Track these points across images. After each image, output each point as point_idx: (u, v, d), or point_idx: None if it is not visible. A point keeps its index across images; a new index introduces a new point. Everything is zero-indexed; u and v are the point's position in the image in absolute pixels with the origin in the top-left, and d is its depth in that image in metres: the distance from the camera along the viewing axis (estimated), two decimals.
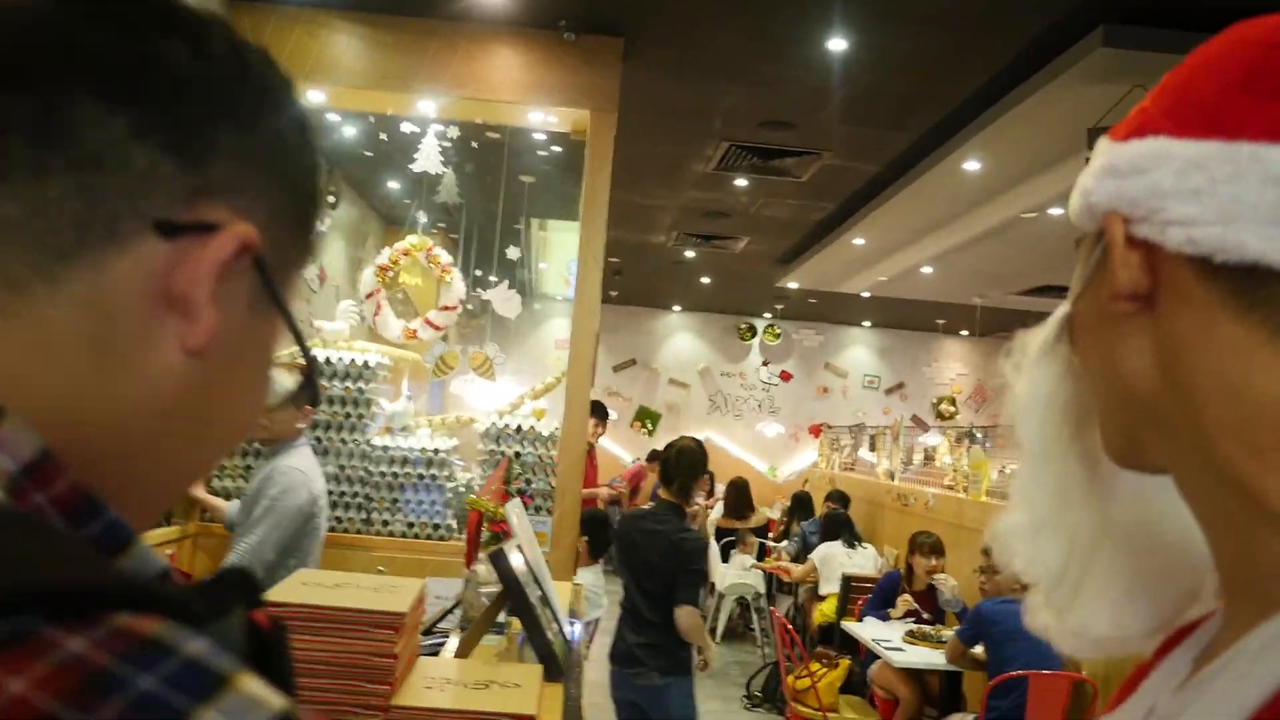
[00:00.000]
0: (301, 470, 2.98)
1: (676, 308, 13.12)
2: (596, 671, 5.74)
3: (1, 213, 0.39)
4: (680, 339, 13.32)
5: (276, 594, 1.74)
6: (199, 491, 3.62)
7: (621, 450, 12.80)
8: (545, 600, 2.24)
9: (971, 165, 5.22)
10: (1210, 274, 0.46)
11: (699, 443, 3.80)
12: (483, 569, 2.37)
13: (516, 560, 2.13)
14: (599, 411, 7.62)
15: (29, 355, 0.40)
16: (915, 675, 4.91)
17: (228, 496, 4.20)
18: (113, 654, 0.31)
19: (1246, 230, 0.45)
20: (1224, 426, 0.46)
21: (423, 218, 7.76)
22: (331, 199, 6.22)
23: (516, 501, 2.48)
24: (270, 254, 0.45)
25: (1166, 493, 0.53)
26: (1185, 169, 0.47)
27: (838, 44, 4.20)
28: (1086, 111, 4.05)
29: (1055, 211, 5.92)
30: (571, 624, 2.63)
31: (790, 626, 5.20)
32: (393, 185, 7.12)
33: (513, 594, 2.07)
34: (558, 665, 2.06)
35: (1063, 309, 0.57)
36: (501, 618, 2.42)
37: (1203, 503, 0.49)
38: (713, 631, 7.76)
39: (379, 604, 1.73)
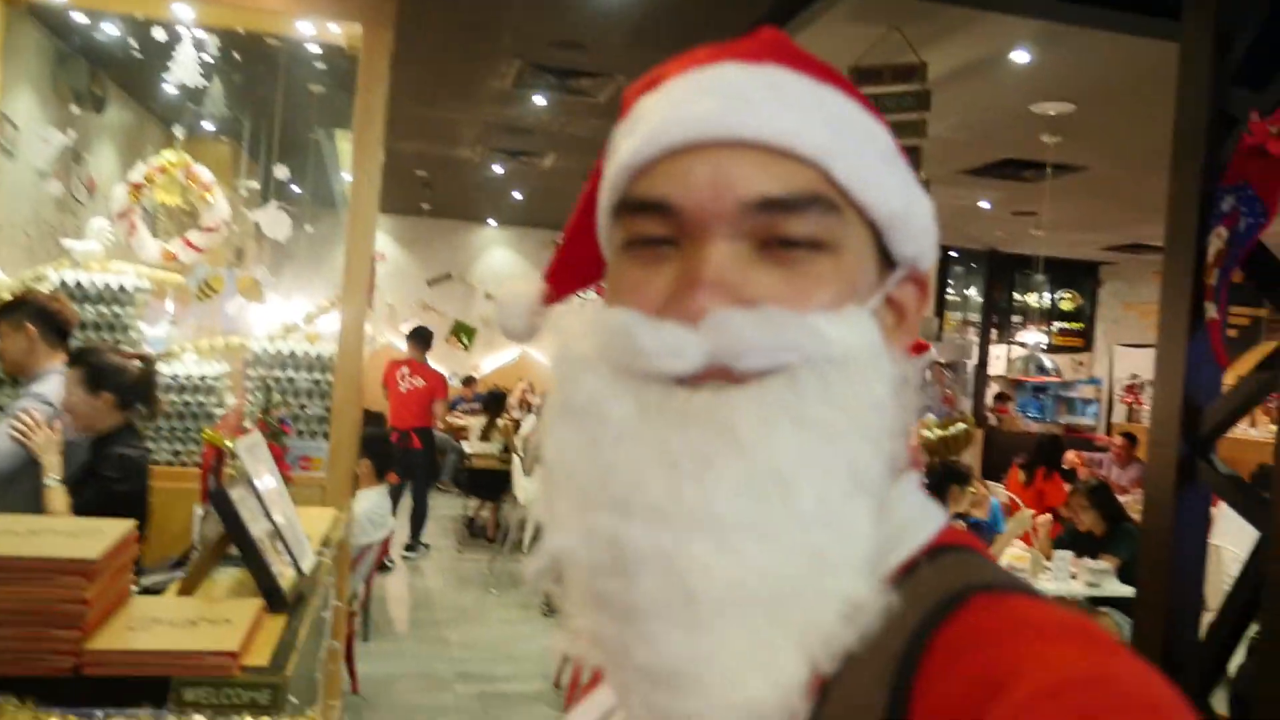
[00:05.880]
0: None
1: (492, 221, 12.93)
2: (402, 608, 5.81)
3: None
4: (497, 253, 13.18)
5: None
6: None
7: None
8: (278, 533, 2.27)
9: None
10: None
11: None
12: None
13: (240, 496, 2.14)
14: (420, 337, 7.55)
15: None
16: None
17: None
18: None
19: None
20: None
21: (210, 127, 7.28)
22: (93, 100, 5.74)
23: (254, 436, 2.46)
24: None
25: None
26: None
27: None
28: (849, 52, 4.24)
29: None
30: (321, 554, 2.67)
31: None
32: (169, 90, 6.62)
33: (234, 533, 2.08)
34: (282, 598, 2.10)
35: None
36: None
37: None
38: (519, 543, 7.94)
39: (69, 550, 1.71)
